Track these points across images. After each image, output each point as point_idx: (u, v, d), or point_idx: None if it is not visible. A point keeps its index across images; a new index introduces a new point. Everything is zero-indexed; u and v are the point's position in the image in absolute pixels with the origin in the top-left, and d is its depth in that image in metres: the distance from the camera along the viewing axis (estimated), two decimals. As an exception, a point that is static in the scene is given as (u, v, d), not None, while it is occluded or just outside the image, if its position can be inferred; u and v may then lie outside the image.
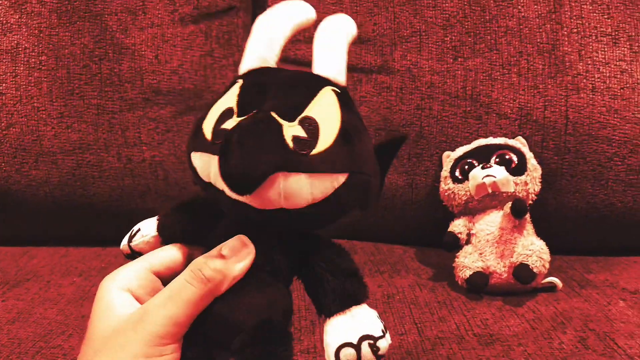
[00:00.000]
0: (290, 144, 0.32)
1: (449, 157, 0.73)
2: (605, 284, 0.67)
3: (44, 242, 0.81)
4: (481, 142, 0.72)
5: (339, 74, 0.36)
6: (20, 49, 0.78)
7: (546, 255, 0.64)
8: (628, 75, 0.74)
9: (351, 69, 0.79)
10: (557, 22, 0.74)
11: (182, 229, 0.39)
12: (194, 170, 0.36)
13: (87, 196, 0.79)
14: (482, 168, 0.67)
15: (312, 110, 0.33)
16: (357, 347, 0.34)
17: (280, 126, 0.32)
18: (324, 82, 0.35)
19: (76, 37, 0.78)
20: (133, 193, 0.79)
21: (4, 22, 0.78)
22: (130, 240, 0.41)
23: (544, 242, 0.65)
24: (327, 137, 0.33)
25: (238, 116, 0.33)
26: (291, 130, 0.32)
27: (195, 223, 0.39)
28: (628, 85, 0.73)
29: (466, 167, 0.70)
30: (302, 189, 0.32)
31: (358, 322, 0.35)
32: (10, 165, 0.78)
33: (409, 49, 0.77)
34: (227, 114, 0.34)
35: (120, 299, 0.36)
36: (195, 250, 0.38)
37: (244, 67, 0.37)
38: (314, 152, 0.32)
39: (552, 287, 0.66)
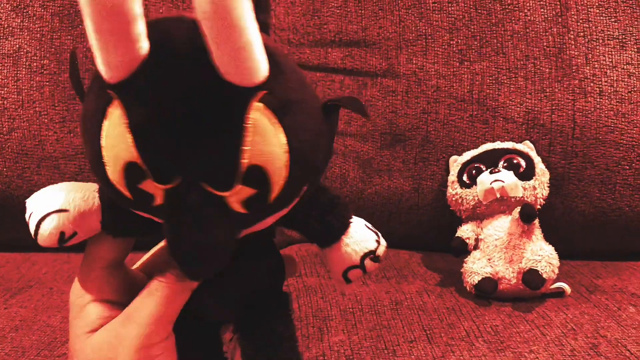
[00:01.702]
0: (243, 210, 0.27)
1: (456, 162, 0.72)
2: (614, 289, 0.67)
3: (45, 248, 0.79)
4: (488, 146, 0.72)
5: (260, 65, 0.25)
6: (22, 53, 0.77)
7: (555, 260, 0.63)
8: (635, 79, 0.73)
9: (356, 72, 0.79)
10: (563, 26, 0.74)
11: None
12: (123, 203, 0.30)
13: (89, 201, 0.78)
14: (490, 173, 0.67)
15: (251, 152, 0.25)
16: (361, 267, 0.36)
17: (222, 201, 0.26)
18: (246, 96, 0.25)
19: (78, 41, 0.77)
20: (136, 198, 0.78)
21: (6, 25, 0.77)
22: (62, 241, 0.34)
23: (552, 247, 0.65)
24: (279, 176, 0.27)
25: (155, 180, 0.26)
26: (237, 197, 0.26)
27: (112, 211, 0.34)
28: (635, 89, 0.73)
29: (474, 171, 0.69)
30: (266, 223, 0.31)
31: (354, 243, 0.36)
32: (12, 171, 0.77)
33: (414, 53, 0.76)
34: (135, 171, 0.26)
35: (95, 313, 0.35)
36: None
37: (108, 72, 0.25)
38: (272, 197, 0.27)
39: (560, 293, 0.65)
